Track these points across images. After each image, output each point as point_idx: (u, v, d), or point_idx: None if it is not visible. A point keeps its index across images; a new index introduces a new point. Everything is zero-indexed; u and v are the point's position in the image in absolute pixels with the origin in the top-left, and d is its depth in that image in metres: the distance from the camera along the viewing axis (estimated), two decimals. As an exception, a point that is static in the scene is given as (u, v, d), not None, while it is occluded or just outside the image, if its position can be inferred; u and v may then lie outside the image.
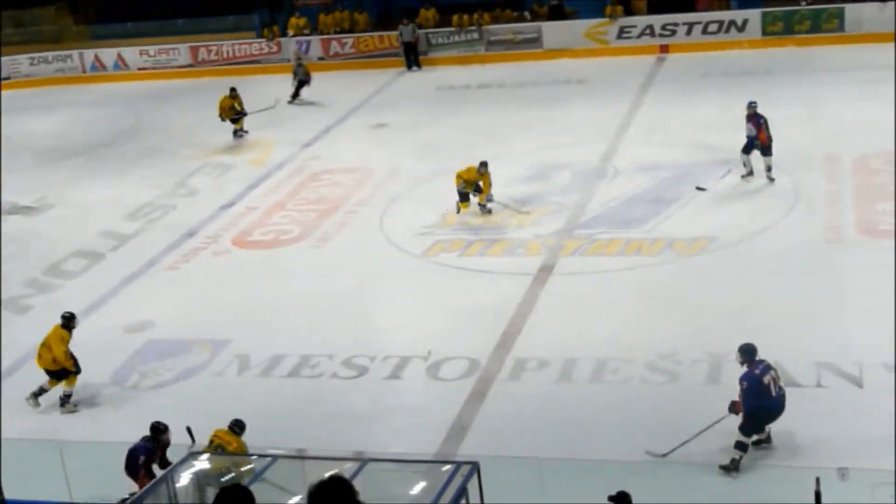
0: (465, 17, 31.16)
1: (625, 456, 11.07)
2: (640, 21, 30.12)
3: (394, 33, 31.09)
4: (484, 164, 18.07)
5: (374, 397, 12.99)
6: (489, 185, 18.09)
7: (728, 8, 30.22)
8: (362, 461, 9.51)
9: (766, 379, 10.51)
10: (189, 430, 11.18)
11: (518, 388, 12.89)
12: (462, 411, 12.41)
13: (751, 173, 18.24)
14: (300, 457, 10.75)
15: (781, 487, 10.24)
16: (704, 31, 29.38)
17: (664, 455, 10.90)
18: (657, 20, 29.89)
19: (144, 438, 11.01)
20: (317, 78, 27.78)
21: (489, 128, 23.84)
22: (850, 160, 18.83)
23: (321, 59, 32.06)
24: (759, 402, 10.50)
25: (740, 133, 17.93)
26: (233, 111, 24.58)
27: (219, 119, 24.63)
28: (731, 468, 10.52)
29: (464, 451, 11.45)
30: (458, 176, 18.04)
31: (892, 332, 12.88)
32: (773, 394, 10.53)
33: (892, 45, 26.55)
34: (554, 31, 30.50)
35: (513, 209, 18.09)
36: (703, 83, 25.80)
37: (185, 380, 13.82)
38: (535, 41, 30.54)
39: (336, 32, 32.49)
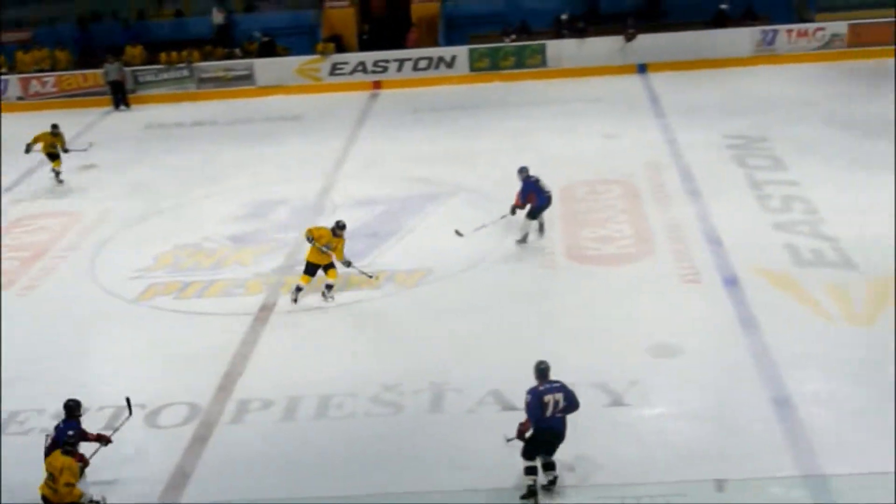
0: (174, 54, 30.47)
1: (352, 491, 11.01)
2: (352, 58, 30.41)
3: (99, 71, 29.99)
4: (341, 226, 15.68)
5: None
6: (342, 251, 15.68)
7: (436, 45, 31.01)
8: (76, 519, 9.06)
9: (547, 398, 10.55)
10: (128, 400, 11.84)
11: (241, 431, 12.58)
12: (183, 458, 12.00)
13: (524, 239, 17.37)
14: (7, 520, 10.12)
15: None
16: (415, 68, 29.99)
17: (509, 440, 10.85)
18: (369, 57, 30.27)
19: (65, 421, 11.01)
20: (16, 119, 26.40)
21: (203, 166, 23.40)
22: (556, 190, 19.59)
23: (20, 98, 30.48)
24: (536, 418, 10.56)
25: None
26: (53, 148, 22.67)
27: (24, 148, 22.52)
28: (528, 495, 10.57)
29: (186, 499, 11.12)
30: (309, 232, 15.70)
31: (600, 352, 13.49)
32: (548, 414, 10.57)
33: (589, 79, 28.20)
34: (266, 68, 30.34)
35: (365, 274, 16.13)
36: (415, 118, 26.29)
37: None
38: (248, 78, 30.27)
39: (36, 71, 31.03)
